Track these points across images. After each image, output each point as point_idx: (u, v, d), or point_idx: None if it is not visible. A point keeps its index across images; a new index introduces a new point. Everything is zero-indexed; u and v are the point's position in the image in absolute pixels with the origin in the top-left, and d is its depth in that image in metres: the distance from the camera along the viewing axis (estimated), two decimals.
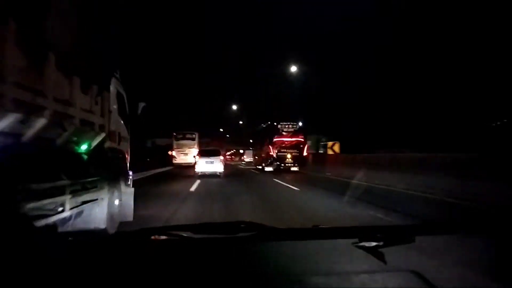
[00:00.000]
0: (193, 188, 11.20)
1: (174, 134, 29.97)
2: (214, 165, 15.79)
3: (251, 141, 46.08)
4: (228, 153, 58.34)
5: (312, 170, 20.28)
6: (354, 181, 10.42)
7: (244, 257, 1.24)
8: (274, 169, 20.60)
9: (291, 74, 28.95)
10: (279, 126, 23.45)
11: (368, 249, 1.20)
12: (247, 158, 44.72)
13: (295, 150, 20.98)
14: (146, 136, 45.70)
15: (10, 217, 1.67)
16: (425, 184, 9.98)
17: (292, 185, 12.29)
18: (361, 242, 1.24)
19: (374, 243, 1.20)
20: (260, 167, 23.71)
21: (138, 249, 1.33)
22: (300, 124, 24.67)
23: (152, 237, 1.48)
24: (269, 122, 28.21)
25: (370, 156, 16.95)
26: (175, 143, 29.30)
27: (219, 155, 16.33)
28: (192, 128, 32.30)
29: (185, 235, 1.41)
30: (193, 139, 29.69)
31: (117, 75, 5.45)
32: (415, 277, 1.08)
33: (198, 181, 13.20)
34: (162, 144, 45.30)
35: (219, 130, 70.17)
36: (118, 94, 5.38)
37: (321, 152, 27.20)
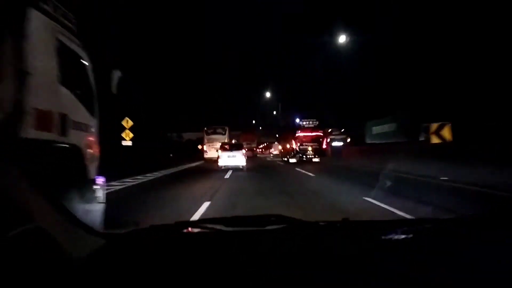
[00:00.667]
0: (227, 176, 13.90)
1: (205, 129, 30.85)
2: (237, 159, 16.34)
3: (277, 135, 48.55)
4: (260, 146, 60.31)
5: (331, 161, 23.26)
6: (360, 168, 14.37)
7: (273, 249, 1.24)
8: (297, 160, 23.14)
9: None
10: (300, 122, 26.11)
11: (395, 243, 1.21)
12: (275, 151, 45.97)
13: (315, 144, 23.76)
14: (170, 129, 46.77)
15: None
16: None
17: (310, 172, 14.96)
18: (389, 235, 1.25)
19: (403, 236, 1.20)
20: (285, 159, 26.25)
21: (172, 242, 1.35)
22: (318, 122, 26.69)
23: (185, 230, 1.53)
24: (294, 121, 31.80)
25: (381, 146, 19.86)
26: (206, 137, 30.08)
27: (241, 149, 17.03)
28: (223, 122, 33.78)
29: (217, 227, 1.43)
30: (223, 134, 30.29)
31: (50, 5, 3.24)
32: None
33: (230, 171, 15.69)
34: (193, 138, 48.57)
35: (251, 122, 71.18)
36: (61, 47, 3.34)
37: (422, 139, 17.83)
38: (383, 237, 1.28)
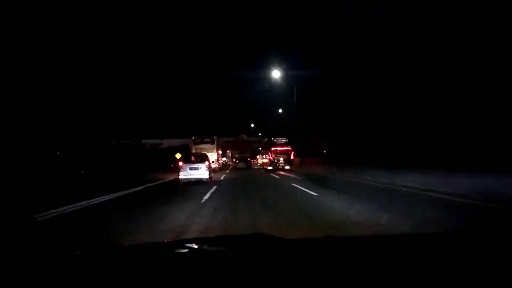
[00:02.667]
0: (222, 177, 18.89)
1: (193, 138, 30.03)
2: (200, 171, 15.18)
3: (260, 149, 46.47)
4: (258, 155, 48.87)
5: (296, 168, 31.35)
6: (312, 172, 22.35)
7: (257, 269, 1.20)
8: (272, 168, 30.24)
9: None
10: (274, 140, 33.36)
11: (378, 260, 1.21)
12: (260, 161, 47.02)
13: (286, 155, 30.91)
14: (139, 135, 43.23)
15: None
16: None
17: (276, 175, 21.52)
18: (372, 252, 1.24)
19: (380, 253, 1.21)
20: (265, 167, 33.39)
21: (150, 264, 1.28)
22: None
23: (164, 252, 1.46)
24: (265, 139, 40.43)
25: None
26: (193, 147, 29.09)
27: (205, 161, 15.81)
28: (212, 128, 33.65)
29: (196, 247, 1.42)
30: (212, 143, 29.33)
31: None
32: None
33: (224, 174, 20.93)
34: (176, 144, 42.53)
35: (249, 126, 63.82)
36: None
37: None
38: (364, 253, 1.27)
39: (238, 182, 17.21)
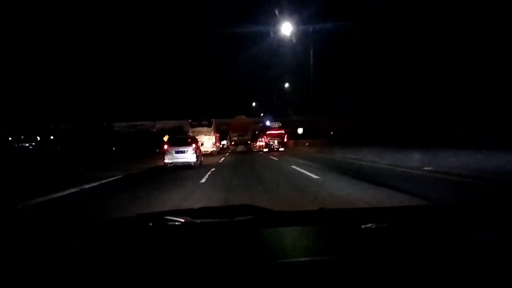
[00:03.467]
0: (221, 160, 18.69)
1: (190, 121, 29.47)
2: (186, 155, 14.36)
3: (256, 132, 45.56)
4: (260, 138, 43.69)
5: (290, 149, 33.83)
6: (304, 153, 24.32)
7: (243, 241, 1.18)
8: (268, 149, 32.84)
9: None
10: (268, 124, 36.01)
11: (371, 231, 1.17)
12: (258, 143, 47.00)
13: (279, 138, 33.86)
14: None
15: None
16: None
17: (273, 156, 21.72)
18: (364, 224, 1.21)
19: (375, 225, 1.17)
20: (261, 150, 35.27)
21: (136, 236, 1.26)
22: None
23: (150, 224, 1.42)
24: (261, 124, 41.11)
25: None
26: (190, 130, 28.24)
27: (192, 144, 14.80)
28: (211, 110, 33.10)
29: (183, 220, 1.37)
30: (209, 126, 28.59)
31: None
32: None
33: (223, 158, 19.27)
34: (168, 126, 40.11)
35: (251, 106, 57.30)
36: None
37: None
38: (359, 226, 1.24)
39: (236, 166, 15.85)
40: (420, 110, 26.71)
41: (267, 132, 34.45)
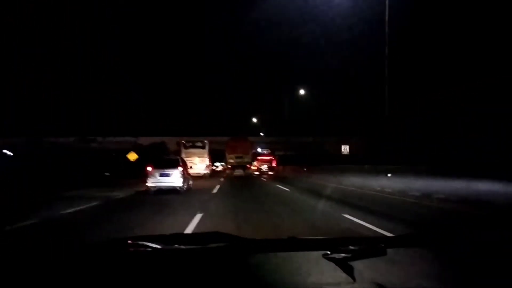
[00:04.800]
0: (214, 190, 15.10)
1: (183, 142, 28.59)
2: (171, 178, 13.21)
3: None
4: (260, 160, 42.12)
5: (278, 173, 34.53)
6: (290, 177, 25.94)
7: (215, 268, 1.18)
8: (259, 173, 36.86)
9: None
10: (260, 150, 43.03)
11: (339, 261, 1.18)
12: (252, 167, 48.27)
13: (269, 163, 39.61)
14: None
15: None
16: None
17: (263, 178, 26.38)
18: (332, 254, 1.23)
19: (344, 255, 1.19)
20: (253, 173, 38.28)
21: (103, 262, 1.25)
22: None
23: (120, 249, 1.42)
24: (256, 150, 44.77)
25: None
26: (183, 151, 27.22)
27: (177, 166, 13.65)
28: (203, 132, 32.37)
29: (154, 246, 1.37)
30: (203, 147, 27.92)
31: None
32: None
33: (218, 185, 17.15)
34: (145, 143, 35.59)
35: (250, 122, 51.05)
36: None
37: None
38: (323, 255, 1.26)
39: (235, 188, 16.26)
40: (420, 110, 26.71)
41: (258, 158, 41.25)
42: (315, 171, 25.58)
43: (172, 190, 12.75)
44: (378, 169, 15.69)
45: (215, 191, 14.53)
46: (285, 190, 14.91)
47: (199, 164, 26.70)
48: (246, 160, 31.50)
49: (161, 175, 13.06)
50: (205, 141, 28.44)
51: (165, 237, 1.47)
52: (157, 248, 1.36)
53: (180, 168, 13.53)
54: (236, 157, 31.07)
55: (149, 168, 13.35)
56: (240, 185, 18.58)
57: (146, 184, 13.10)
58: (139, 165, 19.52)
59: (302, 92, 36.26)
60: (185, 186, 13.58)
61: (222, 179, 23.92)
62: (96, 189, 14.55)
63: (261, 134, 50.44)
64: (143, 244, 1.39)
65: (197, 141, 28.43)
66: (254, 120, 50.99)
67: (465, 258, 1.29)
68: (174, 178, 13.12)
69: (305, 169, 30.52)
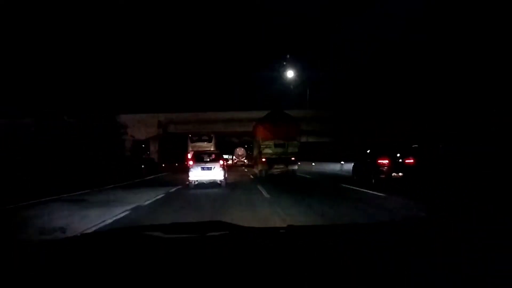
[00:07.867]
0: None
1: (190, 136, 29.61)
2: (213, 172, 13.48)
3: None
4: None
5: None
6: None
7: (214, 257, 1.19)
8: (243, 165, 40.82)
9: None
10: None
11: (335, 248, 1.19)
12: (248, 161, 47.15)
13: (244, 157, 46.26)
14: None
15: None
16: None
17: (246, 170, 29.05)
18: (331, 241, 1.24)
19: (344, 242, 1.19)
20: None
21: (104, 251, 1.26)
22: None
23: (122, 238, 1.43)
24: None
25: None
26: (190, 145, 28.40)
27: (218, 160, 13.79)
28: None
29: (154, 235, 1.38)
30: (209, 141, 28.75)
31: None
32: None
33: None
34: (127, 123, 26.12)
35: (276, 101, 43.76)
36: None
37: None
38: (325, 243, 1.25)
39: None
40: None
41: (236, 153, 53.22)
42: None
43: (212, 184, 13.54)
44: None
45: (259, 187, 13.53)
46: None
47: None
48: (291, 150, 18.91)
49: (203, 168, 13.54)
50: (212, 135, 29.34)
51: (165, 226, 1.46)
52: (158, 236, 1.36)
53: (222, 162, 13.93)
54: (276, 146, 18.73)
55: (190, 163, 14.09)
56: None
57: (189, 178, 13.62)
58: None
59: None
60: (225, 180, 14.06)
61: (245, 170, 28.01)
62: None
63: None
64: (144, 234, 1.40)
65: (203, 135, 29.28)
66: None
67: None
68: (215, 172, 13.54)
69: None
